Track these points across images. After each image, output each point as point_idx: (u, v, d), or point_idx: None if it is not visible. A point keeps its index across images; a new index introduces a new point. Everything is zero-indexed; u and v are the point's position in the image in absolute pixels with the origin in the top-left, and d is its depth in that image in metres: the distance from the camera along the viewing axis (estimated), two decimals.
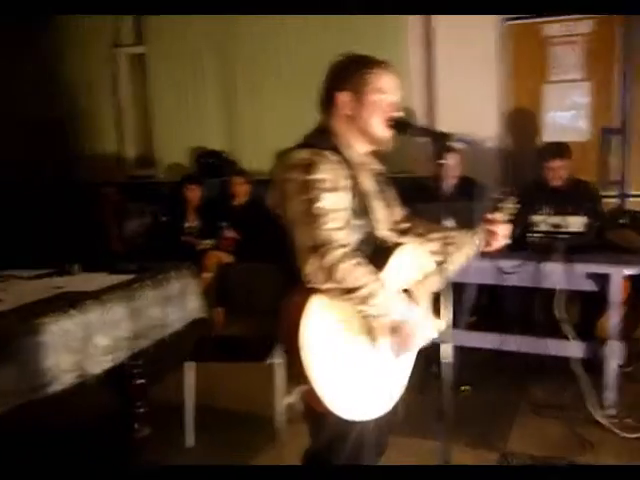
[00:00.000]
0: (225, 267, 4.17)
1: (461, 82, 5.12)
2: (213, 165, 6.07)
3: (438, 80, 5.27)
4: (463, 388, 3.71)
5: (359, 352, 1.77)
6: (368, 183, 1.91)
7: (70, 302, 2.73)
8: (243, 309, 4.09)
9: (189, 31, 6.13)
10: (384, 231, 1.93)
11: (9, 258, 3.69)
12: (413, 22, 5.30)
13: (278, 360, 3.29)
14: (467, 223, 2.24)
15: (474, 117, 4.89)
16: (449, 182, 4.39)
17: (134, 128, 6.80)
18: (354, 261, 1.68)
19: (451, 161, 4.29)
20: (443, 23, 5.17)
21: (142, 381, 3.35)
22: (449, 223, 2.33)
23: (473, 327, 3.88)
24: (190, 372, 3.31)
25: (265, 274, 3.72)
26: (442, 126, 2.31)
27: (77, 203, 6.40)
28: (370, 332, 1.79)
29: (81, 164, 6.73)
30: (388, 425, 2.04)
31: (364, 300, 1.69)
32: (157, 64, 6.36)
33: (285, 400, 1.76)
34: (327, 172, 1.73)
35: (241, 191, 5.66)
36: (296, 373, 1.68)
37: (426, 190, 4.43)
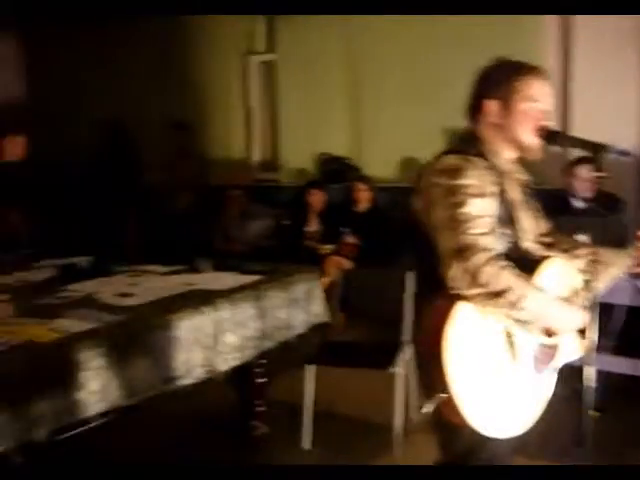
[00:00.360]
0: (347, 272, 4.17)
1: (600, 87, 4.87)
2: (336, 171, 6.11)
3: (575, 85, 5.03)
4: (593, 413, 3.50)
5: (501, 365, 1.71)
6: (514, 192, 1.84)
7: (202, 299, 2.81)
8: (364, 315, 4.09)
9: (318, 39, 6.22)
10: (529, 243, 1.86)
11: (140, 254, 3.88)
12: (549, 22, 5.09)
13: (400, 369, 3.26)
14: (608, 240, 2.12)
15: (613, 126, 4.62)
16: (587, 195, 4.19)
17: (261, 133, 6.97)
18: (500, 264, 1.62)
19: (591, 174, 4.09)
20: (582, 23, 4.93)
21: (264, 380, 3.40)
22: (584, 238, 2.21)
23: (608, 350, 3.67)
24: (311, 375, 3.34)
25: (387, 281, 3.69)
26: (578, 134, 2.18)
27: (205, 204, 6.64)
28: (513, 344, 1.72)
29: (210, 167, 6.96)
30: (518, 445, 1.95)
31: (513, 304, 1.62)
32: (286, 71, 6.50)
33: (422, 409, 1.70)
34: (474, 178, 1.69)
35: (363, 197, 5.67)
36: (435, 382, 1.63)
37: (562, 203, 4.25)
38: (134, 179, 7.32)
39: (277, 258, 5.20)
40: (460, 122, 1.89)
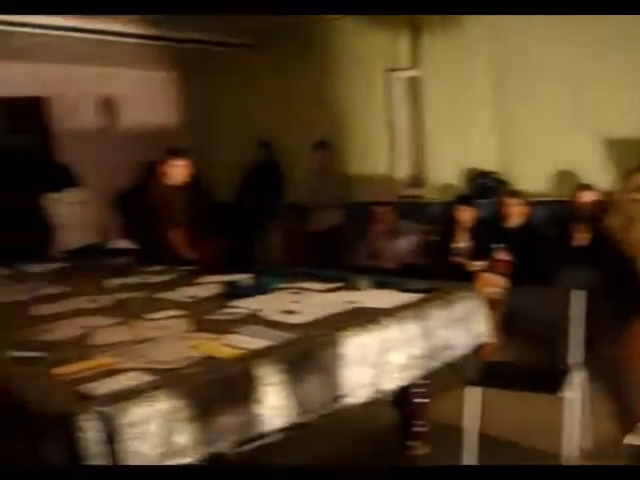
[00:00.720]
0: (505, 290, 4.04)
1: None
2: (485, 186, 5.97)
3: None
4: None
5: None
6: None
7: (367, 317, 2.80)
8: (524, 335, 3.94)
9: (462, 52, 6.12)
10: None
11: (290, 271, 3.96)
12: None
13: (570, 393, 3.10)
14: None
15: None
16: None
17: (406, 149, 6.95)
18: None
19: None
20: None
21: (424, 401, 3.35)
22: None
23: None
24: (473, 397, 3.25)
25: (550, 299, 3.54)
26: None
27: (350, 221, 6.71)
28: None
29: (354, 184, 7.03)
30: None
31: None
32: (431, 86, 6.45)
33: (626, 439, 1.61)
34: None
35: (514, 212, 5.50)
36: None
37: None
38: (279, 197, 7.56)
39: (425, 275, 5.15)
40: (624, 131, 1.76)
